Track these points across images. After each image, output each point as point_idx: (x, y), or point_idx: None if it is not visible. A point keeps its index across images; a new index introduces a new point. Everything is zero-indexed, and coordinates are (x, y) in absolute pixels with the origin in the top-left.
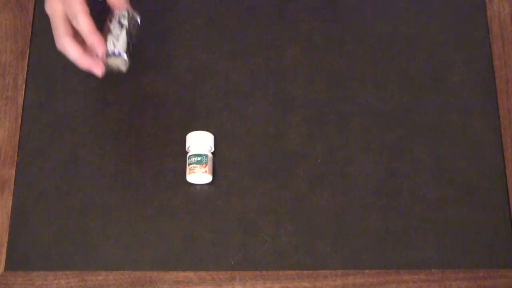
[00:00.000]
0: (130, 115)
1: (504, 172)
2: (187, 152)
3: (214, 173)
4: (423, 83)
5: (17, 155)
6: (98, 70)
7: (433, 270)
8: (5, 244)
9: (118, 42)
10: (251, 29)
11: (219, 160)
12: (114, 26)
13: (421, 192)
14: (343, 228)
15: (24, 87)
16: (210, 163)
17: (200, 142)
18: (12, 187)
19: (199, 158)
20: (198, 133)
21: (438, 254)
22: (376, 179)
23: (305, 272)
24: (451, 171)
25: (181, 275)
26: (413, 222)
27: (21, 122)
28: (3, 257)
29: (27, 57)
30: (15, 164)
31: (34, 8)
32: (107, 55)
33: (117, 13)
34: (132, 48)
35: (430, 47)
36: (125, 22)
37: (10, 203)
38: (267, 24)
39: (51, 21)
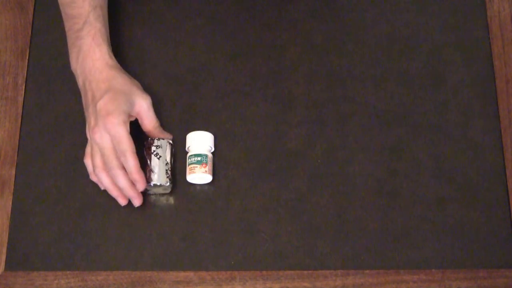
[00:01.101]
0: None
1: (504, 172)
2: (187, 152)
3: (214, 173)
4: (423, 83)
5: (17, 155)
6: (137, 202)
7: (433, 270)
8: (5, 244)
9: (156, 173)
10: (251, 29)
11: (219, 160)
12: (151, 158)
13: (421, 192)
14: (343, 228)
15: (24, 87)
16: (210, 163)
17: (200, 142)
18: (12, 187)
19: (199, 158)
20: (198, 133)
21: (438, 254)
22: (376, 179)
23: (305, 272)
24: (451, 171)
25: (181, 275)
26: (413, 222)
27: (21, 122)
28: (3, 257)
29: (27, 57)
30: (15, 164)
31: (34, 8)
32: (149, 185)
33: (151, 143)
34: (171, 169)
35: (430, 47)
36: (160, 152)
37: (10, 203)
38: (267, 24)
39: (100, 151)
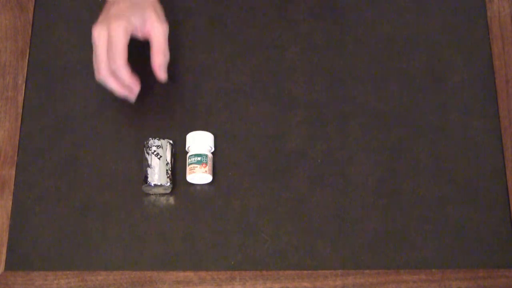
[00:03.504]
0: (130, 115)
1: (504, 172)
2: (187, 152)
3: (214, 173)
4: (423, 83)
5: (17, 155)
6: (133, 97)
7: (433, 270)
8: (5, 244)
9: (156, 173)
10: (251, 29)
11: (219, 160)
12: (151, 158)
13: (421, 192)
14: (343, 228)
15: (24, 87)
16: (210, 163)
17: (200, 142)
18: (12, 187)
19: (199, 158)
20: (198, 133)
21: (438, 254)
22: (376, 179)
23: (305, 272)
24: (451, 171)
25: (181, 275)
26: (413, 222)
27: (21, 122)
28: (3, 257)
29: (27, 57)
30: (15, 164)
31: (34, 8)
32: (147, 185)
33: (151, 144)
34: (171, 169)
35: (430, 47)
36: (161, 152)
37: (10, 203)
38: (267, 24)
39: (95, 50)
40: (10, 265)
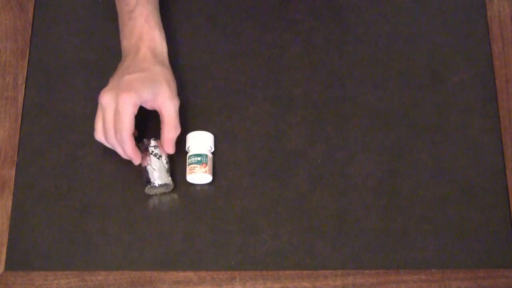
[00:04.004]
0: None
1: (504, 172)
2: (187, 152)
3: (214, 173)
4: (423, 83)
5: (17, 155)
6: (136, 161)
7: (433, 270)
8: (5, 244)
9: (158, 173)
10: (251, 29)
11: (219, 160)
12: (151, 159)
13: (421, 192)
14: (343, 228)
15: (24, 87)
16: (210, 163)
17: (200, 142)
18: (12, 187)
19: (199, 158)
20: (198, 133)
21: (438, 254)
22: (376, 179)
23: (305, 272)
24: (451, 171)
25: (181, 275)
26: (413, 222)
27: (21, 122)
28: (3, 257)
29: (27, 57)
30: (15, 164)
31: (34, 8)
32: (151, 186)
33: (148, 144)
34: (170, 166)
35: (430, 47)
36: (158, 151)
37: (10, 203)
38: (267, 24)
39: (104, 114)
40: (10, 265)
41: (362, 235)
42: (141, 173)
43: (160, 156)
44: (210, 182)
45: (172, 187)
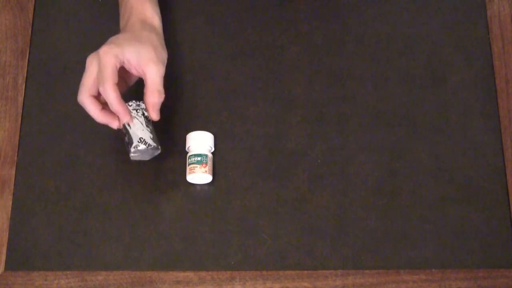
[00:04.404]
0: None
1: (504, 172)
2: (187, 152)
3: (214, 173)
4: (423, 83)
5: (17, 155)
6: (115, 124)
7: (433, 270)
8: (5, 244)
9: (142, 133)
10: (251, 29)
11: (219, 160)
12: (133, 123)
13: (421, 192)
14: (343, 228)
15: (24, 87)
16: (210, 163)
17: (200, 142)
18: (12, 187)
19: (199, 158)
20: (198, 133)
21: (438, 254)
22: (376, 179)
23: (305, 272)
24: (451, 171)
25: (181, 275)
26: (413, 222)
27: (21, 122)
28: (3, 257)
29: (27, 57)
30: (15, 164)
31: (34, 8)
32: (135, 149)
33: (130, 104)
34: (153, 128)
35: (430, 47)
36: (136, 114)
37: (10, 203)
38: (267, 24)
39: (86, 72)
40: (10, 265)
41: (362, 235)
42: (124, 140)
43: (143, 118)
44: (210, 182)
45: (159, 150)
